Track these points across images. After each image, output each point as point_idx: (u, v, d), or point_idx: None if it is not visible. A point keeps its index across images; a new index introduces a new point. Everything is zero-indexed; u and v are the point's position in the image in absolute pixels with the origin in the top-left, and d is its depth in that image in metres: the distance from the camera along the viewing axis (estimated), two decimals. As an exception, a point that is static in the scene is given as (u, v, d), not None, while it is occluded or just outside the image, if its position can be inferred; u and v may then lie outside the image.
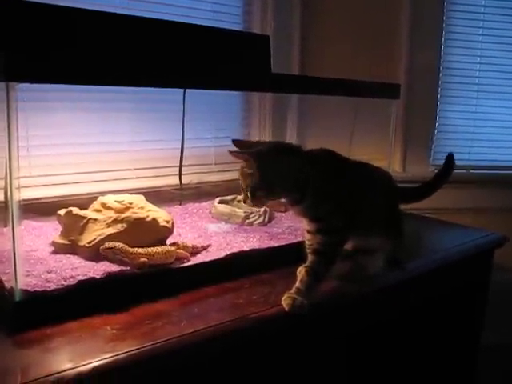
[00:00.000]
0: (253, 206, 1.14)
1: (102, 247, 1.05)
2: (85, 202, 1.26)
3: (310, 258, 1.07)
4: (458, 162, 2.44)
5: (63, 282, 0.96)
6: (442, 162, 2.38)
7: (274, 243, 1.30)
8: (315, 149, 1.16)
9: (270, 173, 1.06)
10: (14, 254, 0.90)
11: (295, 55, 2.06)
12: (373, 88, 1.49)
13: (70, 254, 1.12)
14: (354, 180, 1.16)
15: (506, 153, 2.55)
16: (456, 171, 2.41)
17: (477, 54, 2.44)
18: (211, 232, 1.38)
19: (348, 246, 1.20)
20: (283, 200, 1.15)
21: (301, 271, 1.07)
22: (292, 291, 1.03)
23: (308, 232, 1.14)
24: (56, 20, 0.96)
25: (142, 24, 1.16)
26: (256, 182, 1.07)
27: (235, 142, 1.14)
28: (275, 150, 1.10)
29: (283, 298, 1.02)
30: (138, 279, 1.06)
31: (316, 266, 1.06)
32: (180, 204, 1.64)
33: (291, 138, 2.01)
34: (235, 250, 1.22)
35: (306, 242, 1.13)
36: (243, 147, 1.12)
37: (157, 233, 1.17)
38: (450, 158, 1.44)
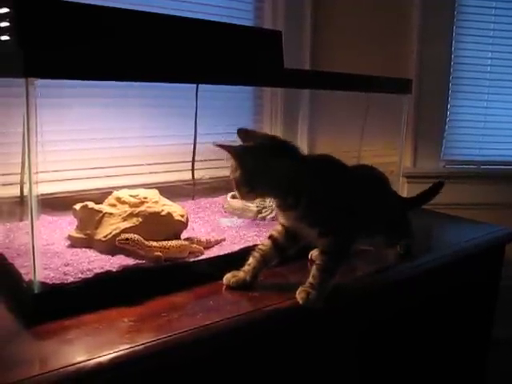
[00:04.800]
0: (243, 200, 1.11)
1: (118, 238, 1.06)
2: (99, 196, 1.27)
3: (318, 257, 1.07)
4: (468, 158, 2.47)
5: (80, 275, 0.98)
6: (452, 158, 2.43)
7: (287, 237, 1.31)
8: (314, 154, 1.14)
9: (251, 171, 1.03)
10: (33, 247, 0.91)
11: (306, 50, 2.06)
12: (384, 83, 1.49)
13: (86, 247, 1.14)
14: (353, 184, 1.15)
15: (517, 148, 2.55)
16: (466, 166, 2.45)
17: (488, 49, 2.44)
18: (224, 226, 1.39)
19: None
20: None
21: (312, 263, 1.08)
22: (306, 285, 1.03)
23: (269, 237, 1.12)
24: (74, 16, 0.97)
25: (156, 20, 1.17)
26: (239, 178, 1.05)
27: (240, 130, 1.11)
28: (263, 149, 1.05)
29: (297, 292, 1.02)
30: (154, 272, 1.07)
31: (326, 263, 1.05)
32: (193, 199, 1.65)
33: (302, 133, 2.01)
34: (249, 243, 1.23)
35: (258, 246, 1.12)
36: (247, 137, 1.09)
37: (171, 227, 1.19)
38: (439, 185, 1.42)
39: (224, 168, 1.81)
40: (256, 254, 1.11)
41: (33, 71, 0.83)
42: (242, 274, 1.09)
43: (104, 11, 1.06)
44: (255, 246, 1.21)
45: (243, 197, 1.08)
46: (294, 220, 1.08)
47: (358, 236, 1.14)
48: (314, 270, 1.05)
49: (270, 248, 1.11)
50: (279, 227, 1.12)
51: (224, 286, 1.09)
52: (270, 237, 1.12)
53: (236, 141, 1.10)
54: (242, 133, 1.10)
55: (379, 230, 1.25)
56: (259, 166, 1.03)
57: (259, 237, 1.29)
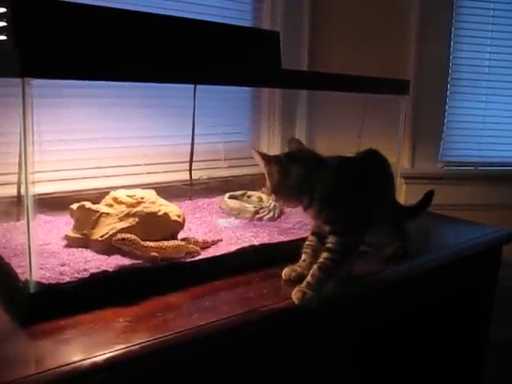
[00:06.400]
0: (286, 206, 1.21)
1: (114, 238, 1.06)
2: (96, 196, 1.27)
3: (323, 254, 1.08)
4: (466, 159, 2.47)
5: (76, 275, 0.98)
6: (450, 159, 2.44)
7: (284, 238, 1.31)
8: (331, 156, 1.17)
9: (284, 177, 1.10)
10: (29, 247, 0.91)
11: (305, 51, 2.06)
12: (382, 84, 1.49)
13: (83, 247, 1.14)
14: (363, 183, 1.17)
15: (515, 149, 2.55)
16: (464, 168, 2.45)
17: (486, 50, 2.44)
18: (221, 227, 1.39)
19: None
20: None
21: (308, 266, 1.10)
22: (303, 285, 1.03)
23: (312, 233, 1.17)
24: (71, 16, 0.97)
25: (153, 20, 1.17)
26: (275, 184, 1.12)
27: (291, 140, 1.23)
28: (290, 157, 1.14)
29: (293, 292, 1.02)
30: (150, 273, 1.07)
31: (328, 262, 1.06)
32: (190, 199, 1.65)
33: (300, 133, 2.02)
34: (245, 244, 1.23)
35: (306, 243, 1.17)
36: (293, 147, 1.20)
37: (168, 227, 1.19)
38: (430, 195, 1.43)
39: (221, 169, 1.83)
40: (307, 250, 1.17)
41: (29, 71, 0.83)
42: (299, 269, 1.14)
43: (101, 11, 1.06)
44: (252, 246, 1.22)
45: (280, 200, 1.23)
46: (313, 218, 1.14)
47: (364, 237, 1.16)
48: (314, 268, 1.06)
49: (316, 241, 1.16)
50: (314, 223, 1.18)
51: (283, 280, 1.14)
52: (313, 233, 1.18)
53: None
54: (292, 142, 1.22)
55: (380, 229, 1.25)
56: (288, 173, 1.11)
57: (256, 237, 1.29)
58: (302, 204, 1.13)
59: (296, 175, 1.10)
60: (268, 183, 1.13)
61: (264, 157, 1.12)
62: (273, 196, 1.18)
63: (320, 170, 1.12)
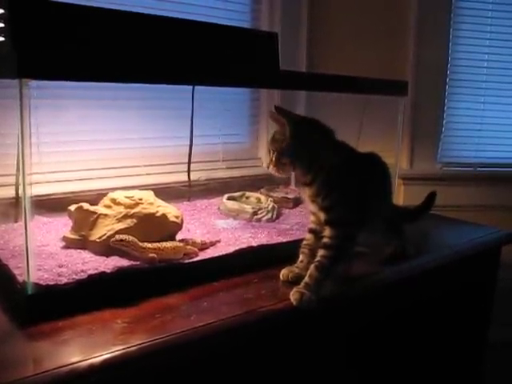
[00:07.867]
0: (275, 172, 1.14)
1: (112, 239, 1.06)
2: (95, 198, 1.27)
3: (320, 252, 1.08)
4: (464, 160, 2.47)
5: (74, 276, 0.98)
6: (449, 160, 2.43)
7: (282, 239, 1.31)
8: (344, 143, 1.19)
9: (297, 144, 1.10)
10: (27, 248, 0.91)
11: (303, 52, 2.06)
12: (381, 85, 1.50)
13: (81, 248, 1.14)
14: (367, 178, 1.18)
15: (513, 150, 2.55)
16: (463, 169, 2.45)
17: (484, 51, 2.43)
18: (220, 228, 1.39)
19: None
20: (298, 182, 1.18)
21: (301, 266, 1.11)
22: (300, 286, 1.04)
23: (309, 231, 1.17)
24: (69, 18, 0.97)
25: (152, 21, 1.17)
26: (284, 149, 1.11)
27: (277, 107, 1.18)
28: (310, 125, 1.15)
29: (291, 293, 1.03)
30: (148, 274, 1.07)
31: (325, 261, 1.06)
32: (189, 200, 1.65)
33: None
34: (244, 245, 1.23)
35: (303, 242, 1.17)
36: (283, 113, 1.15)
37: (166, 228, 1.19)
38: (432, 196, 1.43)
39: (219, 170, 1.83)
40: (304, 249, 1.16)
41: (26, 72, 0.83)
42: (297, 269, 1.13)
43: (100, 13, 1.06)
44: (250, 247, 1.22)
45: (279, 169, 1.14)
46: (308, 197, 1.13)
47: (360, 233, 1.15)
48: (311, 268, 1.06)
49: (313, 240, 1.16)
50: (312, 218, 1.17)
51: (281, 281, 1.13)
52: (310, 230, 1.18)
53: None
54: (278, 110, 1.17)
55: (378, 228, 1.25)
56: (306, 138, 1.12)
57: (254, 238, 1.29)
58: (302, 178, 1.13)
59: (310, 148, 1.12)
60: (276, 146, 1.12)
61: (284, 119, 1.12)
62: (275, 163, 1.13)
63: (335, 153, 1.13)
